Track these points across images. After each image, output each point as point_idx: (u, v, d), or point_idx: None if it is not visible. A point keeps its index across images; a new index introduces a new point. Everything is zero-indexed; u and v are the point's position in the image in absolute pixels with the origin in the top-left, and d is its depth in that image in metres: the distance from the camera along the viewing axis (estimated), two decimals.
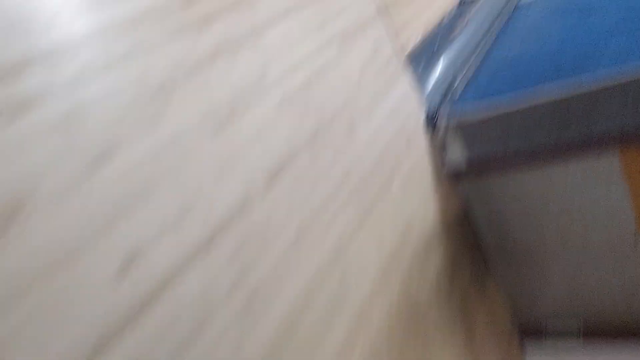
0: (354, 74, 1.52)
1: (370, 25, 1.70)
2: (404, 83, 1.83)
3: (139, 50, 0.89)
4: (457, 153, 1.90)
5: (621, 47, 1.61)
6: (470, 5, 2.36)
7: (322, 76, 1.41)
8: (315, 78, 1.37)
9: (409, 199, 1.65)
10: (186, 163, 0.90)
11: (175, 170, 0.88)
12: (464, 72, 2.10)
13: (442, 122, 1.86)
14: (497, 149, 1.79)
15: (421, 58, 2.07)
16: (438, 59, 2.06)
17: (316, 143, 1.24)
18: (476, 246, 1.99)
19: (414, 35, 1.98)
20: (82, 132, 0.77)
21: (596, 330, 1.93)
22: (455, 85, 2.04)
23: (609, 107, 1.46)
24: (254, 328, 0.93)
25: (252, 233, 0.99)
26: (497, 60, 2.10)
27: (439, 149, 1.92)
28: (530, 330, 2.10)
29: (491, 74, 2.05)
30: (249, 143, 1.06)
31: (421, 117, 1.88)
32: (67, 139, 0.75)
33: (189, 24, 1.01)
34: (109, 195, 0.77)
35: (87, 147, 0.77)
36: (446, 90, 2.04)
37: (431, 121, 1.89)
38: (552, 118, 1.59)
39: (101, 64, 0.83)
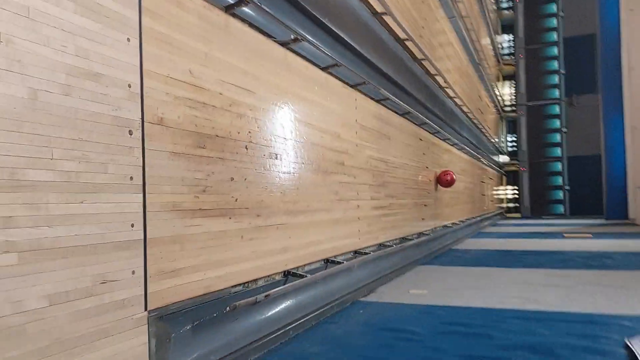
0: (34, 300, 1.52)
1: (115, 252, 1.78)
2: (135, 340, 1.81)
3: None
4: None
5: None
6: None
7: None
8: None
9: None
10: None
11: None
12: (250, 348, 2.19)
13: None
14: None
15: (200, 315, 2.13)
16: (223, 325, 2.14)
17: None
18: None
19: (194, 285, 2.07)
20: None
21: None
22: None
23: None
24: None
25: None
26: None
27: None
28: None
29: None
30: None
31: None
32: None
33: None
34: None
35: None
36: None
37: None
38: None
39: None
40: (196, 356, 2.15)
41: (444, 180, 7.46)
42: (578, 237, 9.27)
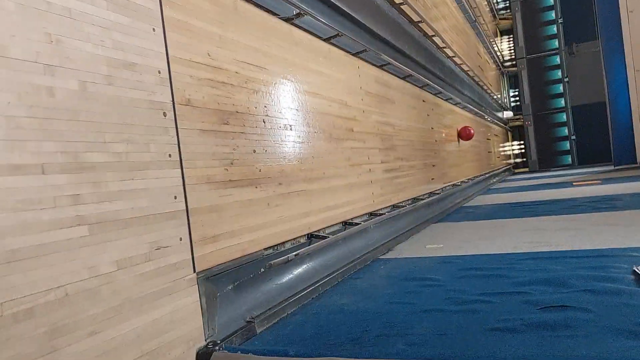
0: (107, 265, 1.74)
1: (164, 221, 2.00)
2: (189, 298, 2.05)
3: None
4: None
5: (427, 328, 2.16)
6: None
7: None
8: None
9: None
10: None
11: None
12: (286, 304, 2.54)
13: None
14: None
15: (239, 275, 2.38)
16: (259, 284, 2.39)
17: None
18: None
19: (231, 249, 2.29)
20: None
21: None
22: (260, 320, 2.33)
23: None
24: None
25: None
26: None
27: None
28: None
29: (303, 322, 2.42)
30: None
31: (197, 345, 2.04)
32: None
33: None
34: None
35: None
36: (248, 322, 2.30)
37: (206, 355, 2.04)
38: None
39: None
40: (240, 312, 2.38)
41: (464, 135, 9.00)
42: (587, 185, 9.42)
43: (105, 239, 1.68)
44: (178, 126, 2.11)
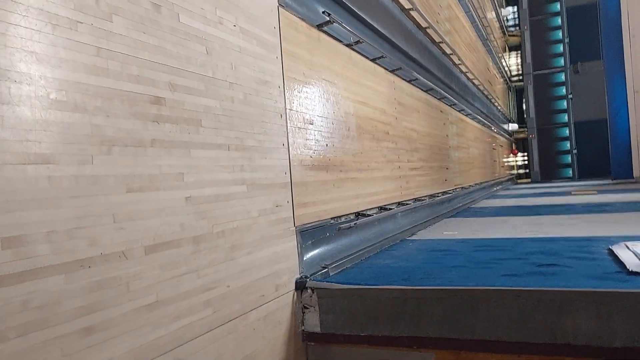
0: (255, 212, 2.64)
1: (280, 188, 2.90)
2: (291, 243, 2.94)
3: None
4: (315, 318, 2.89)
5: (456, 275, 3.05)
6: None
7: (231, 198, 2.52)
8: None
9: (259, 337, 2.56)
10: None
11: None
12: (345, 260, 3.41)
13: (309, 289, 2.90)
14: (347, 326, 2.79)
15: (316, 234, 3.28)
16: (328, 243, 3.31)
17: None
18: None
19: (312, 214, 3.18)
20: None
21: None
22: (331, 267, 3.21)
23: (432, 313, 2.64)
24: None
25: None
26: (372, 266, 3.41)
27: (301, 308, 2.90)
28: None
29: (361, 271, 3.31)
30: None
31: (295, 276, 2.93)
32: None
33: None
34: None
35: None
36: (322, 267, 3.18)
37: (302, 284, 2.93)
38: (389, 315, 2.71)
39: None
40: (317, 260, 3.27)
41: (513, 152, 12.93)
42: (584, 194, 10.28)
43: (254, 195, 2.58)
44: (287, 124, 3.01)
